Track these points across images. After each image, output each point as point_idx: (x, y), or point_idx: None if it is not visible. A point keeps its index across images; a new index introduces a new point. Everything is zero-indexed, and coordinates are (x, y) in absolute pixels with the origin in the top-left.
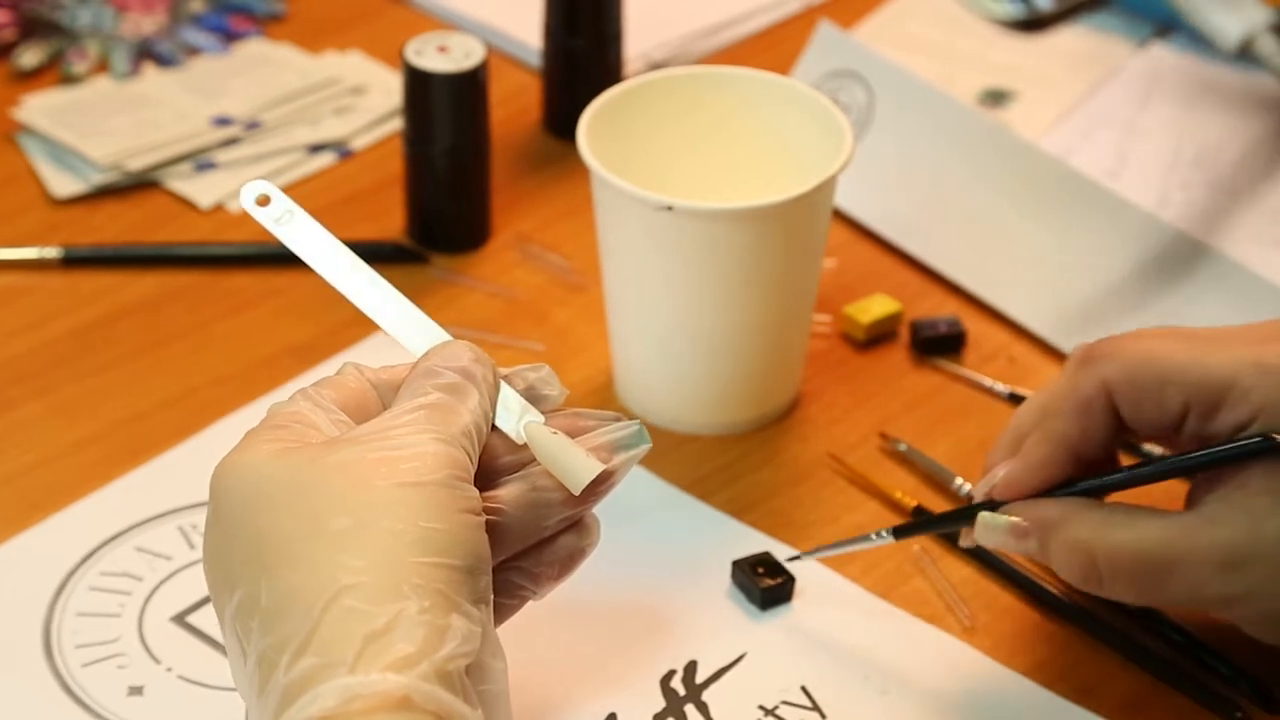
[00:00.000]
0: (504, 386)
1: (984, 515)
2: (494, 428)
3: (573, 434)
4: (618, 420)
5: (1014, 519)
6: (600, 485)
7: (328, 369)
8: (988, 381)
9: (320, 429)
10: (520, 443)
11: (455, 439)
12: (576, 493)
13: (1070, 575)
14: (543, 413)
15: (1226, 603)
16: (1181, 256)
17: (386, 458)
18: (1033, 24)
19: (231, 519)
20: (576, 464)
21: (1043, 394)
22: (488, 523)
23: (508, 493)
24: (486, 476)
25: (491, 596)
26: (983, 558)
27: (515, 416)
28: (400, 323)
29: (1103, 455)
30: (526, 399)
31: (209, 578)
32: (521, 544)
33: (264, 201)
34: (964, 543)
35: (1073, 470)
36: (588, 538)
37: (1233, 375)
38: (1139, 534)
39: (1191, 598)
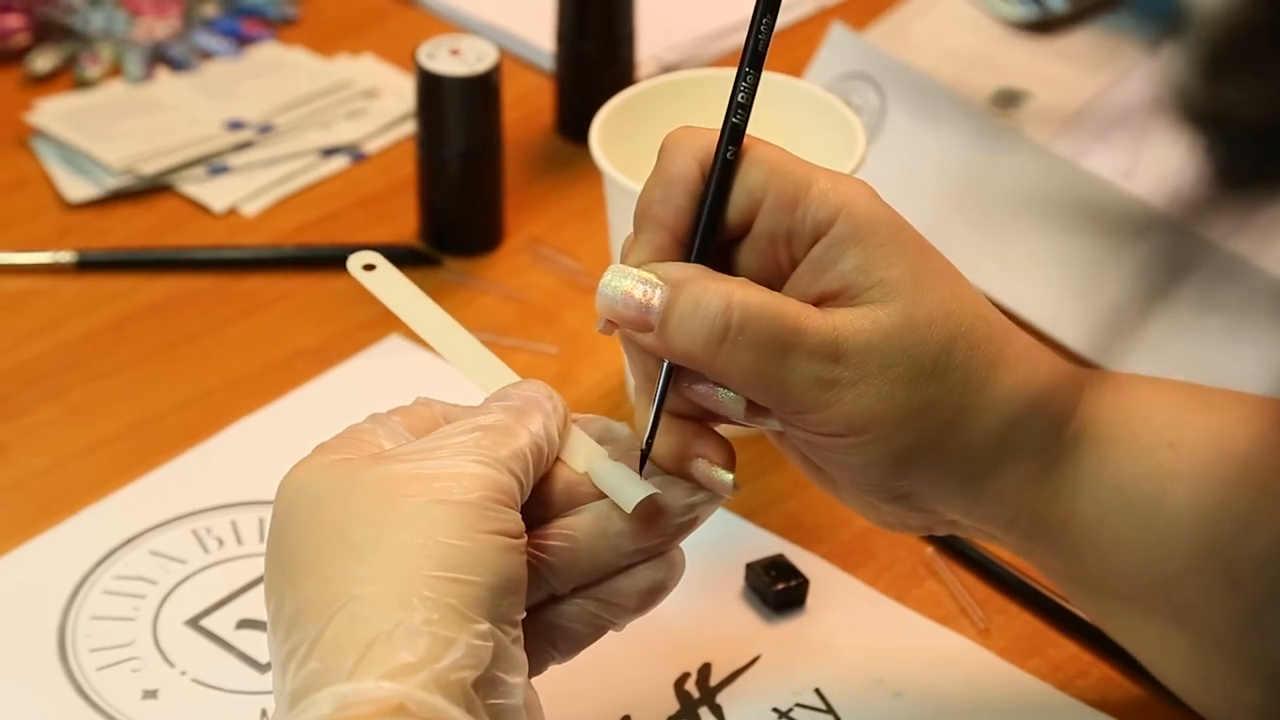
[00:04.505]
0: (575, 429)
1: (613, 267)
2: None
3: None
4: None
5: (644, 273)
6: (660, 515)
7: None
8: None
9: (382, 446)
10: (582, 471)
11: (502, 462)
12: (628, 510)
13: (694, 332)
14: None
15: (826, 388)
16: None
17: (420, 475)
18: (1045, 26)
19: (274, 530)
20: (626, 486)
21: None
22: (558, 549)
23: (579, 520)
24: (563, 504)
25: (521, 616)
26: (995, 571)
27: (583, 452)
28: (485, 374)
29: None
30: (600, 441)
31: (264, 587)
32: (595, 573)
33: (370, 269)
34: (600, 327)
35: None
36: (671, 572)
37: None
38: (777, 295)
39: (800, 384)
